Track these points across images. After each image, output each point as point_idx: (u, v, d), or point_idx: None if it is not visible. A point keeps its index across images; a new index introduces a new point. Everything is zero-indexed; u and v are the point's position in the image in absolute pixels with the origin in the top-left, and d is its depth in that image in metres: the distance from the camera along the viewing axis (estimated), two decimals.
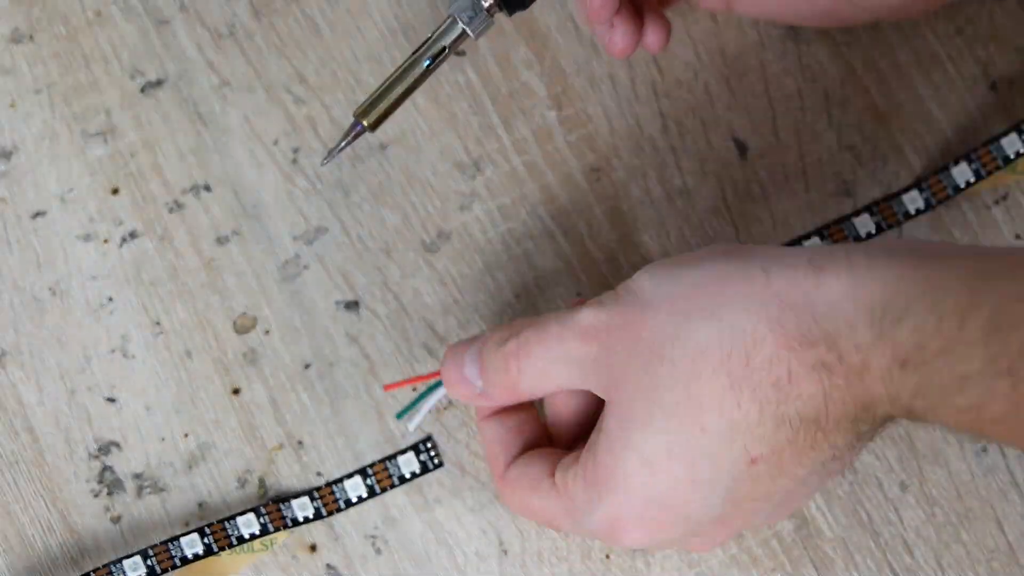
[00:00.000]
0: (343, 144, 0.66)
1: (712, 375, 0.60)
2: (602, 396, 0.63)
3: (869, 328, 0.57)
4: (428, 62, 0.66)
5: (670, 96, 0.75)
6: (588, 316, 0.63)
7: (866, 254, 0.59)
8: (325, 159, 0.67)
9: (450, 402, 0.72)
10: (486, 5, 0.65)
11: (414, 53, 0.66)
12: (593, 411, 0.67)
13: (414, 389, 0.72)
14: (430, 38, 0.66)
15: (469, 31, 0.65)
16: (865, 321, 0.57)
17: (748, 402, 0.59)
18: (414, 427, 0.70)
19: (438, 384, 0.69)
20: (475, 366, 0.66)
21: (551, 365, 0.64)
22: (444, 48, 0.66)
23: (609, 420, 0.62)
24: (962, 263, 0.57)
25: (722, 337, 0.60)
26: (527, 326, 0.65)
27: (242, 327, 0.72)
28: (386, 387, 0.71)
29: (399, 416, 0.71)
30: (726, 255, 0.62)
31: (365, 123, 0.66)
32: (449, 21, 0.66)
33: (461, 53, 0.74)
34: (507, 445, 0.67)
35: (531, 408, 0.68)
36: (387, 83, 0.66)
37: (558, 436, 0.68)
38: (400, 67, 0.66)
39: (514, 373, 0.65)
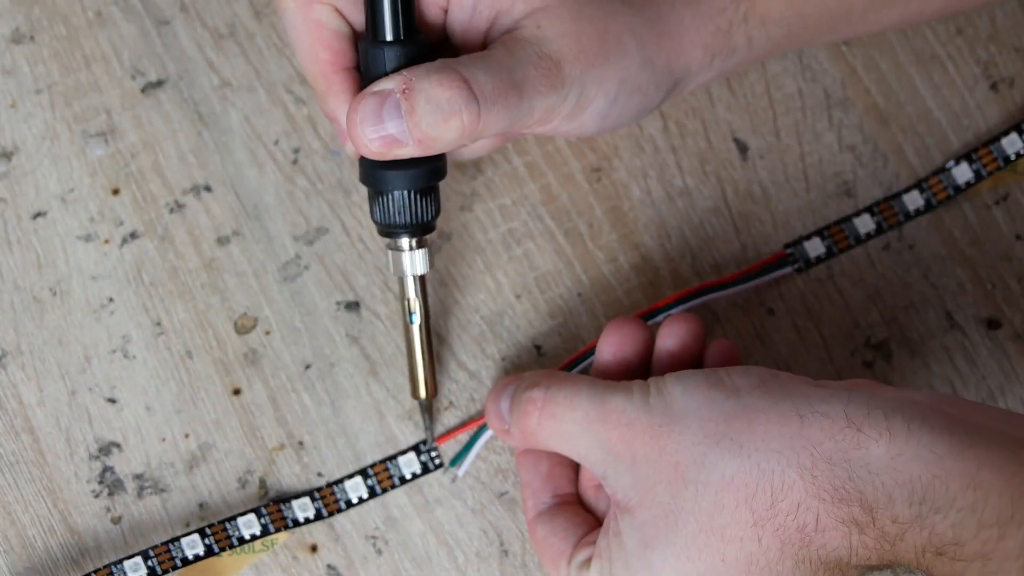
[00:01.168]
0: (428, 425, 0.70)
1: (735, 508, 0.59)
2: (617, 499, 0.63)
3: (908, 507, 0.57)
4: (412, 320, 0.68)
5: None
6: (616, 402, 0.63)
7: (905, 420, 0.58)
8: (430, 443, 0.71)
9: (450, 403, 0.72)
10: (407, 249, 0.66)
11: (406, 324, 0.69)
12: (567, 484, 0.68)
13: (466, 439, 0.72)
14: (404, 302, 0.68)
15: (420, 272, 0.67)
16: (904, 499, 0.57)
17: (770, 540, 0.59)
18: (463, 472, 0.71)
19: (485, 427, 0.70)
20: (508, 402, 0.66)
21: (572, 434, 0.64)
22: (412, 301, 0.68)
23: (627, 534, 0.62)
24: (1003, 457, 0.57)
25: (748, 474, 0.59)
26: (559, 381, 0.65)
27: (243, 327, 0.72)
28: (439, 440, 0.71)
29: (453, 464, 0.71)
30: (762, 389, 0.61)
31: (423, 397, 0.69)
32: (400, 279, 0.67)
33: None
34: (537, 492, 0.68)
35: (566, 458, 0.69)
36: (409, 360, 0.69)
37: (585, 493, 0.68)
38: (408, 343, 0.69)
39: (534, 423, 0.65)
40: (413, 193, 0.65)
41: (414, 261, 0.67)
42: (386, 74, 0.62)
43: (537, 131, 0.65)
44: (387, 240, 0.67)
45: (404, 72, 0.61)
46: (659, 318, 0.71)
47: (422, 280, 0.67)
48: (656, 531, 0.61)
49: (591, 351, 0.71)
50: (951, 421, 0.58)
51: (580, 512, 0.67)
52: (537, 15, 0.63)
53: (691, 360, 0.67)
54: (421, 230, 0.66)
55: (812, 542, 0.59)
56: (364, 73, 0.64)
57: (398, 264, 0.67)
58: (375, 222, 0.66)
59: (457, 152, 0.69)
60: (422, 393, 0.69)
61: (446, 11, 0.64)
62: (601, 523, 0.66)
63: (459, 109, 0.61)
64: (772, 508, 0.59)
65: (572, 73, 0.63)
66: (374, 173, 0.64)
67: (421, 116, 0.61)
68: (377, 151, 0.62)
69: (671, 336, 0.68)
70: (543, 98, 0.62)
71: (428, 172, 0.64)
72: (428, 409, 0.70)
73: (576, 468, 0.69)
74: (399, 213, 0.65)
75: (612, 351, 0.68)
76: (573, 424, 0.63)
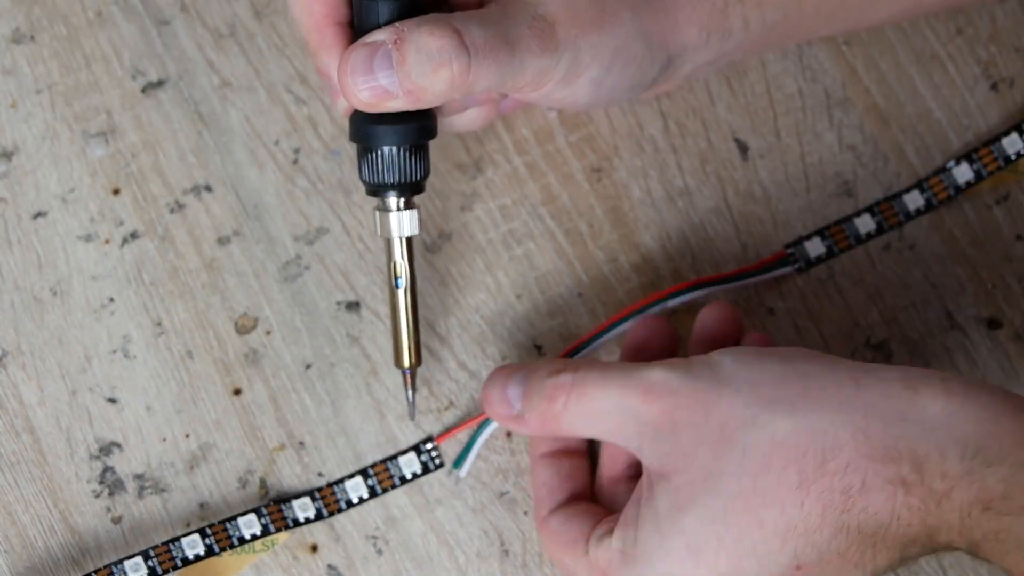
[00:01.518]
0: (410, 393, 0.69)
1: (782, 470, 0.59)
2: (653, 467, 0.62)
3: (960, 461, 0.58)
4: (398, 284, 0.67)
5: (671, 96, 0.75)
6: (657, 374, 0.62)
7: (963, 384, 0.59)
8: (412, 414, 0.70)
9: (451, 402, 0.72)
10: (394, 208, 0.66)
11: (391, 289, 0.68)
12: (583, 490, 0.68)
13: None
14: (390, 265, 0.67)
15: (408, 233, 0.66)
16: (956, 453, 0.58)
17: (812, 504, 0.59)
18: (465, 473, 0.71)
19: (484, 424, 0.70)
20: (519, 388, 0.66)
21: (605, 412, 0.63)
22: (398, 264, 0.67)
23: (661, 498, 0.61)
24: None
25: (801, 434, 0.59)
26: (588, 365, 0.64)
27: (243, 327, 0.72)
28: (438, 439, 0.71)
29: (456, 466, 0.71)
30: (815, 358, 0.62)
31: (407, 366, 0.68)
32: (387, 241, 0.67)
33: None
34: (554, 491, 0.68)
35: (585, 457, 0.69)
36: (393, 326, 0.68)
37: (601, 491, 0.68)
38: (392, 309, 0.68)
39: (559, 406, 0.64)
40: (402, 150, 0.64)
41: (402, 222, 0.66)
42: (379, 26, 0.62)
43: (530, 97, 0.65)
44: (375, 201, 0.66)
45: (397, 24, 0.61)
46: (654, 309, 0.71)
47: (409, 243, 0.67)
48: (693, 493, 0.60)
49: (588, 341, 0.70)
50: (1007, 392, 0.60)
51: (595, 507, 0.67)
52: None
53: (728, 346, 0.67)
54: (410, 190, 0.65)
55: (855, 505, 0.58)
56: (358, 28, 0.64)
57: (385, 225, 0.66)
58: (363, 181, 0.65)
59: (449, 122, 0.68)
60: (406, 361, 0.68)
61: None
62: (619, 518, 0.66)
63: (449, 59, 0.61)
64: (821, 468, 0.59)
65: (567, 37, 0.63)
66: (363, 129, 0.64)
67: (411, 66, 0.61)
68: (367, 102, 0.62)
69: (711, 322, 0.68)
70: (536, 58, 0.62)
71: (418, 129, 0.64)
72: (412, 379, 0.69)
73: (591, 468, 0.69)
74: (388, 170, 0.64)
75: (638, 345, 0.68)
76: (606, 401, 0.63)
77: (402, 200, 0.66)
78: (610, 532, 0.64)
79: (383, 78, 0.61)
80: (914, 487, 0.58)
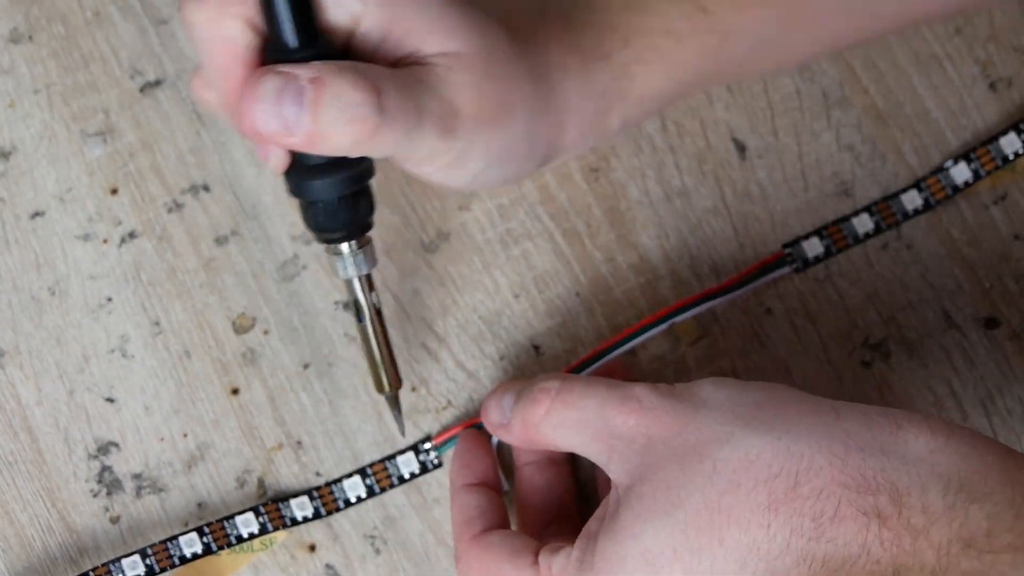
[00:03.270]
0: (397, 415, 0.69)
1: (752, 489, 0.58)
2: (620, 481, 0.61)
3: (942, 497, 0.56)
4: (361, 319, 0.66)
5: None
6: (640, 390, 0.62)
7: (946, 424, 0.58)
8: (402, 434, 0.71)
9: (449, 402, 0.72)
10: (346, 252, 0.64)
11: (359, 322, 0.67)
12: (565, 503, 0.68)
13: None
14: (353, 302, 0.66)
15: (365, 272, 0.65)
16: (939, 489, 0.56)
17: (779, 527, 0.57)
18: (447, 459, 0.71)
19: (477, 427, 0.70)
20: (512, 398, 0.66)
21: (581, 422, 0.63)
22: (359, 301, 0.66)
23: (624, 508, 0.60)
24: None
25: (776, 453, 0.58)
26: (577, 376, 0.64)
27: (241, 327, 0.72)
28: (436, 438, 0.71)
29: (439, 451, 0.71)
30: (794, 390, 0.61)
31: (386, 391, 0.68)
32: (347, 283, 0.66)
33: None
34: (486, 513, 0.67)
35: (501, 497, 0.68)
36: (368, 358, 0.67)
37: (523, 521, 0.68)
38: (362, 340, 0.67)
39: (541, 411, 0.64)
40: (343, 199, 0.62)
41: (357, 262, 0.65)
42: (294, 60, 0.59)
43: (409, 168, 0.63)
44: (325, 245, 0.65)
45: (316, 63, 0.58)
46: (663, 326, 0.71)
47: (368, 277, 0.66)
48: (655, 503, 0.59)
49: (597, 355, 0.70)
50: (986, 436, 0.58)
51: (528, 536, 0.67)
52: (449, 57, 0.61)
53: None
54: (359, 231, 0.64)
55: (824, 534, 0.57)
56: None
57: (343, 269, 0.65)
58: (310, 231, 0.64)
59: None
60: (385, 387, 0.68)
61: (352, 37, 0.61)
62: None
63: (364, 116, 0.57)
64: (792, 491, 0.57)
65: (466, 128, 0.61)
66: (301, 184, 0.62)
67: (325, 111, 0.58)
68: (261, 132, 0.58)
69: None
70: (433, 140, 0.60)
71: (357, 175, 0.62)
72: (395, 401, 0.69)
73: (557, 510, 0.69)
74: (332, 221, 0.63)
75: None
76: (585, 411, 0.63)
77: (353, 243, 0.64)
78: (564, 546, 0.62)
79: (289, 113, 0.57)
80: (890, 520, 0.56)
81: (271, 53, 0.60)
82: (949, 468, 0.57)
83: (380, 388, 0.68)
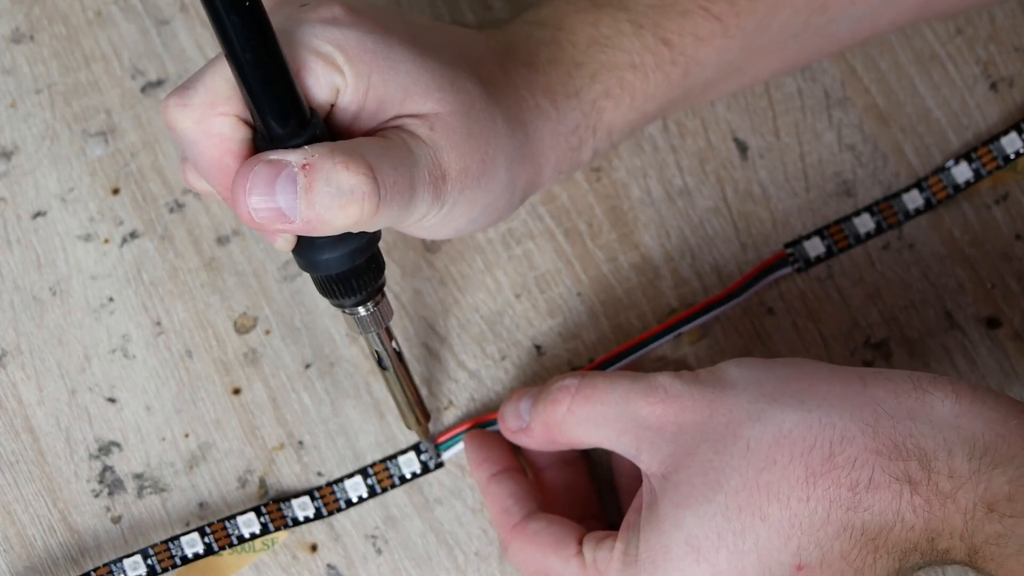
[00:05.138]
0: (430, 445, 0.70)
1: (788, 464, 0.59)
2: (653, 471, 0.62)
3: (967, 460, 0.57)
4: (383, 365, 0.67)
5: None
6: (663, 379, 0.62)
7: (971, 387, 0.59)
8: (435, 460, 0.70)
9: (450, 402, 0.72)
10: (364, 314, 0.64)
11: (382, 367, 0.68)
12: (589, 499, 0.68)
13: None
14: (373, 353, 0.67)
15: (384, 325, 0.65)
16: (964, 452, 0.57)
17: (818, 499, 0.58)
18: (447, 458, 0.71)
19: (489, 424, 0.70)
20: (529, 402, 0.66)
21: (606, 417, 0.63)
22: (379, 352, 0.66)
23: (662, 498, 0.61)
24: None
25: (809, 426, 0.59)
26: (599, 374, 0.64)
27: (242, 327, 0.72)
28: (439, 439, 0.71)
29: (442, 448, 0.71)
30: (818, 362, 0.62)
31: (418, 427, 0.69)
32: (363, 336, 0.65)
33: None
34: (520, 499, 0.67)
35: (527, 478, 0.69)
36: (395, 400, 0.69)
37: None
38: (387, 384, 0.68)
39: (563, 410, 0.64)
40: (356, 268, 0.62)
41: (375, 320, 0.64)
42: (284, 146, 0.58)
43: (393, 227, 0.63)
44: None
45: (307, 147, 0.57)
46: (668, 337, 0.71)
47: (387, 329, 0.66)
48: (693, 489, 0.60)
49: (615, 357, 0.71)
50: (1011, 398, 0.60)
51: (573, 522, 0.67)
52: (429, 119, 0.60)
53: None
54: (373, 294, 0.64)
55: (860, 503, 0.58)
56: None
57: (362, 327, 0.65)
58: (324, 297, 0.63)
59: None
60: (415, 424, 0.69)
61: (332, 106, 0.60)
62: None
63: (361, 197, 0.57)
64: (828, 462, 0.58)
65: (453, 189, 0.61)
66: (311, 260, 0.61)
67: (319, 196, 0.57)
68: (257, 221, 0.58)
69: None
70: (426, 206, 0.60)
71: (365, 244, 0.61)
72: (426, 434, 0.70)
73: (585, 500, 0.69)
74: (346, 290, 0.62)
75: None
76: (609, 406, 0.63)
77: (369, 304, 0.64)
78: (607, 538, 0.63)
79: (283, 201, 0.57)
80: (920, 486, 0.58)
81: (263, 142, 0.58)
82: (974, 432, 0.58)
83: (409, 425, 0.69)
